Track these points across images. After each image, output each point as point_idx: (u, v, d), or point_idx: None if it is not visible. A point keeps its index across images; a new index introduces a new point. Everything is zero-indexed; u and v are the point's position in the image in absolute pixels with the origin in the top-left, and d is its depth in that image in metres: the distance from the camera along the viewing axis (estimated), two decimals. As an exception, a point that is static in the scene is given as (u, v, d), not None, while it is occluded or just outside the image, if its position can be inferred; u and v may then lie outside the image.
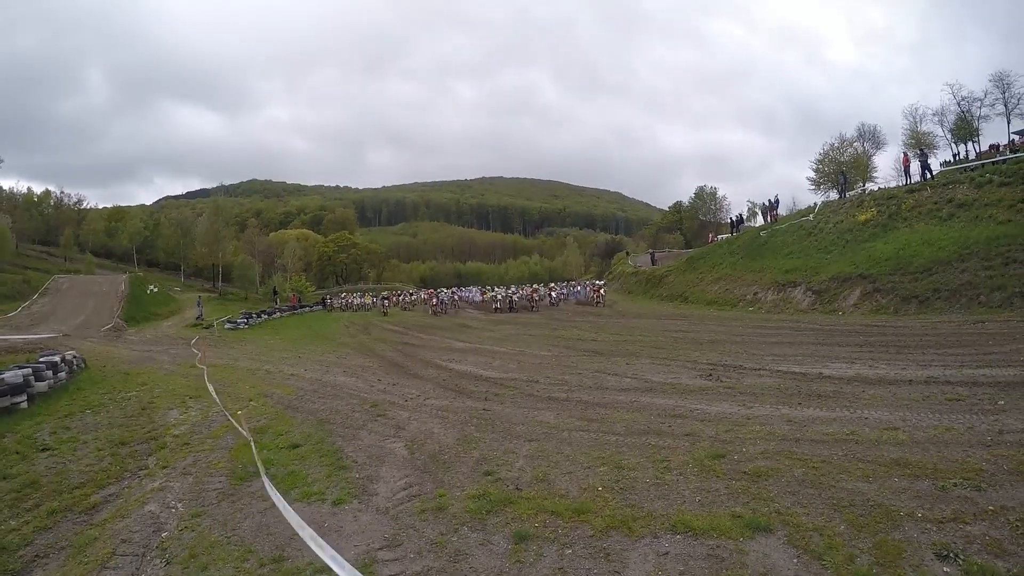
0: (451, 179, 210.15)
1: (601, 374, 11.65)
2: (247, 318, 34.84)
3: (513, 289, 42.79)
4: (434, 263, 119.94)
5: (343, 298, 51.30)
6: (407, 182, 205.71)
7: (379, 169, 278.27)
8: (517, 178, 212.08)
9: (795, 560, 4.06)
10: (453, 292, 45.18)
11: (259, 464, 6.43)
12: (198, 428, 9.03)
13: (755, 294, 25.05)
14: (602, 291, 35.88)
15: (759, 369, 10.94)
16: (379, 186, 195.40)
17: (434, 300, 39.15)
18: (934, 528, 4.26)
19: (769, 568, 4.00)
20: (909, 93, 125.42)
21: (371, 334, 25.29)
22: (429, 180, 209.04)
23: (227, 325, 32.13)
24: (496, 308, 36.09)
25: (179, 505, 5.99)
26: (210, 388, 11.69)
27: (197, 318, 34.90)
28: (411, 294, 54.85)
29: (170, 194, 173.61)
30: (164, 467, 7.21)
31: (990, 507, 4.48)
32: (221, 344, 23.47)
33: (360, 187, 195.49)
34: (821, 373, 10.08)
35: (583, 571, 4.17)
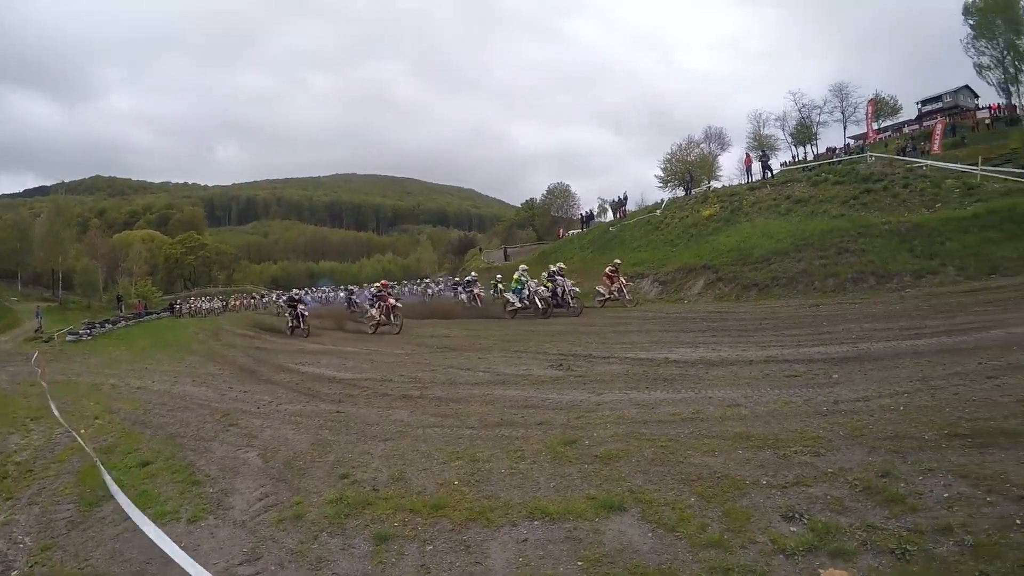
0: (304, 176, 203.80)
1: (454, 369, 11.91)
2: (90, 328, 33.97)
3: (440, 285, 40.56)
4: (286, 263, 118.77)
5: (192, 303, 50.75)
6: (259, 179, 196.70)
7: (229, 165, 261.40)
8: (371, 175, 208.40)
9: (650, 535, 4.37)
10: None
11: (110, 485, 6.23)
12: (42, 452, 8.94)
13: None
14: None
15: (608, 357, 11.57)
16: (229, 183, 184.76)
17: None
18: (779, 493, 4.74)
19: (625, 544, 4.28)
20: (755, 99, 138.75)
21: (221, 340, 24.71)
22: (281, 177, 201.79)
23: (68, 337, 30.85)
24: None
25: (26, 539, 5.82)
26: (52, 407, 11.22)
27: (36, 331, 33.52)
28: (262, 296, 54.24)
29: (4, 192, 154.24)
30: (8, 499, 6.97)
31: (829, 470, 5.05)
32: (63, 358, 22.92)
33: (209, 184, 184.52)
34: (668, 358, 10.84)
35: (445, 565, 4.29)
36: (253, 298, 56.99)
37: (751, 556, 3.96)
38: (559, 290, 22.35)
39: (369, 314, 22.95)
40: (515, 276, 23.97)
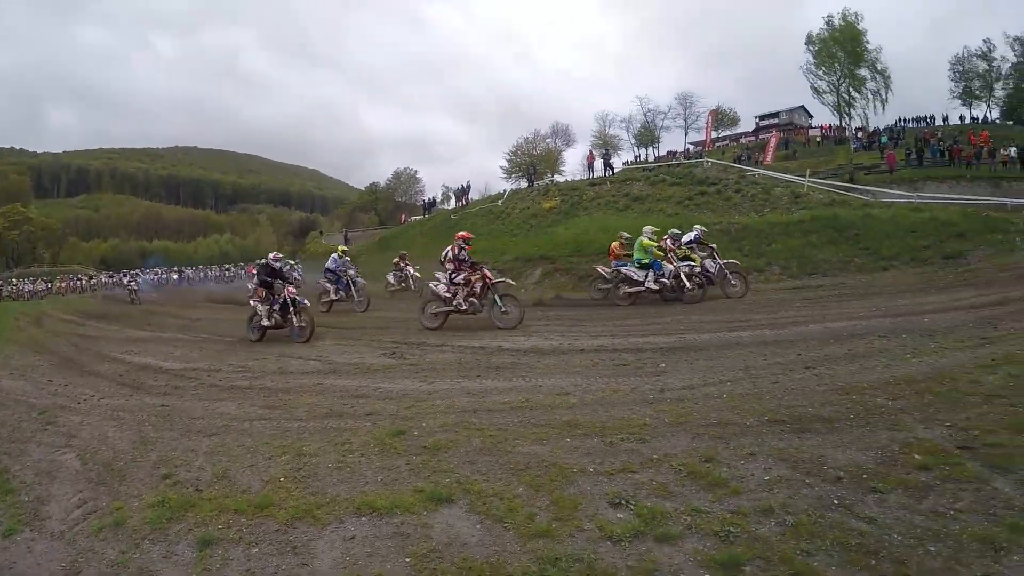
0: (142, 146, 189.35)
1: (286, 358, 11.45)
2: None
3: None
4: (117, 241, 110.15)
5: (14, 284, 45.42)
6: (93, 147, 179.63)
7: (62, 131, 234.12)
8: (213, 149, 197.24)
9: (478, 526, 4.31)
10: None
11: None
12: None
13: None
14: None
15: (442, 345, 11.49)
16: (60, 151, 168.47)
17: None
18: (606, 480, 4.81)
19: (453, 537, 4.20)
20: (605, 100, 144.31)
21: (43, 326, 22.09)
22: (118, 146, 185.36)
23: None
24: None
25: None
26: None
27: None
28: (90, 278, 50.09)
29: None
30: None
31: (655, 456, 5.19)
32: None
33: (39, 151, 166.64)
34: (500, 346, 10.90)
35: (271, 569, 4.11)
36: (80, 280, 53.68)
37: (579, 544, 3.97)
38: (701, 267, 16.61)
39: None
40: (643, 241, 16.42)
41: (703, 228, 18.29)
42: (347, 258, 20.71)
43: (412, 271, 23.35)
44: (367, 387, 8.63)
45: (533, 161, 59.76)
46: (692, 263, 16.28)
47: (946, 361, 8.11)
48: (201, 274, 54.66)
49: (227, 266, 59.37)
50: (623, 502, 4.44)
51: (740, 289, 16.20)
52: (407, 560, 4.00)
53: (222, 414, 7.88)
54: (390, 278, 24.03)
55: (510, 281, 15.28)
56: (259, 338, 14.11)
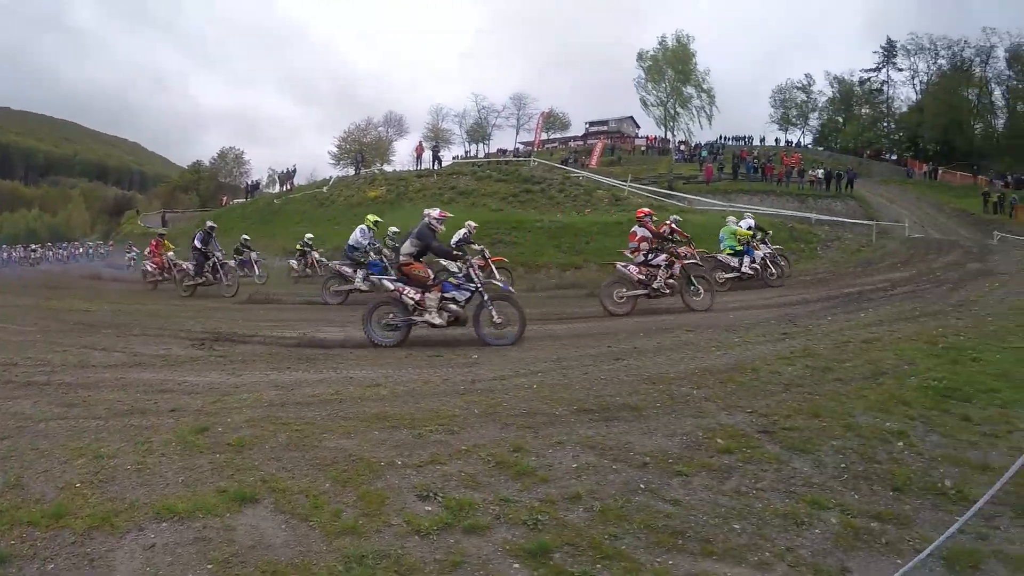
0: None
1: (88, 350, 10.31)
2: None
3: None
4: None
5: None
6: None
7: None
8: (26, 111, 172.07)
9: (283, 526, 4.05)
10: None
11: None
12: None
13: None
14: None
15: (253, 336, 10.97)
16: None
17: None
18: (414, 473, 4.67)
19: (258, 539, 3.91)
20: (443, 93, 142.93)
21: None
22: None
23: None
24: None
25: None
26: None
27: None
28: None
29: None
30: None
31: (463, 447, 5.12)
32: None
33: None
34: (314, 337, 10.53)
35: None
36: None
37: (386, 540, 3.82)
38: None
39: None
40: (737, 229, 16.68)
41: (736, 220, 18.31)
42: (214, 237, 19.04)
43: (317, 255, 21.88)
44: (172, 381, 7.96)
45: (362, 149, 58.91)
46: (772, 248, 17.19)
47: (749, 354, 8.72)
48: (4, 255, 49.12)
49: (33, 247, 53.42)
50: (431, 495, 4.34)
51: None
52: (209, 567, 3.69)
53: (16, 414, 6.92)
54: (293, 263, 22.44)
55: (699, 263, 14.66)
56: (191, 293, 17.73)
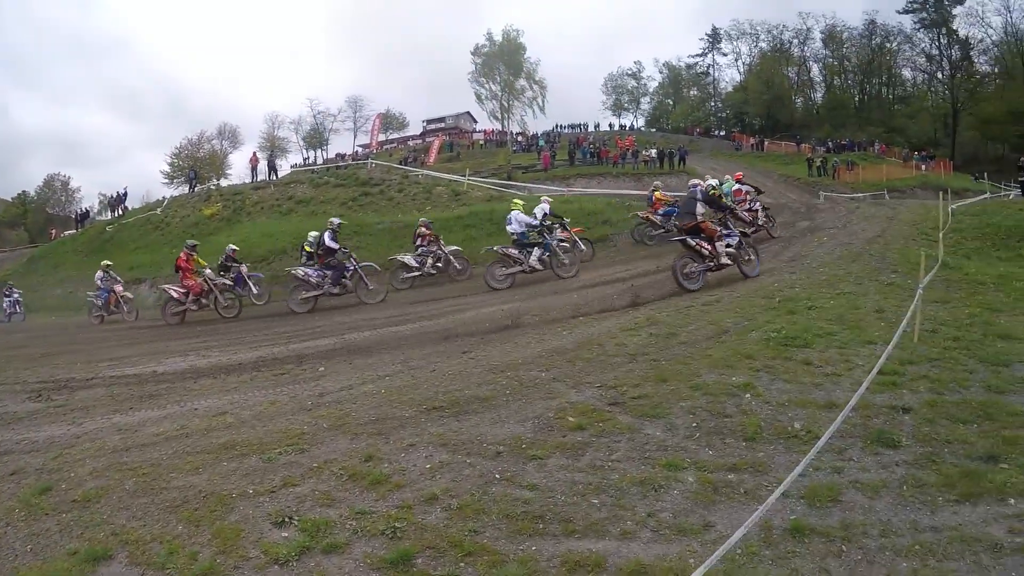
0: None
1: None
2: None
3: None
4: None
5: None
6: None
7: None
8: None
9: None
10: None
11: None
12: None
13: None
14: None
15: (92, 378, 10.07)
16: None
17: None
18: (267, 500, 4.51)
19: None
20: (277, 99, 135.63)
21: None
22: None
23: None
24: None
25: None
26: None
27: None
28: None
29: None
30: None
31: (315, 464, 4.99)
32: None
33: None
34: (155, 371, 9.89)
35: None
36: None
37: (245, 575, 3.69)
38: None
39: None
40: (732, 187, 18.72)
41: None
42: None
43: (245, 269, 18.78)
44: (10, 441, 7.16)
45: (196, 164, 56.00)
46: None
47: (594, 330, 9.04)
48: None
49: None
50: (287, 519, 4.20)
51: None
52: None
53: None
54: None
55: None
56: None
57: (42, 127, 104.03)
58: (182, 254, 16.65)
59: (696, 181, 13.93)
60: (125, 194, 42.48)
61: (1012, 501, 3.98)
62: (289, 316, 14.59)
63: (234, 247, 19.14)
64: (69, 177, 75.18)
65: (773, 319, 8.72)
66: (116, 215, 40.41)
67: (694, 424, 5.26)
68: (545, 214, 16.83)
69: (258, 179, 37.90)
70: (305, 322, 12.86)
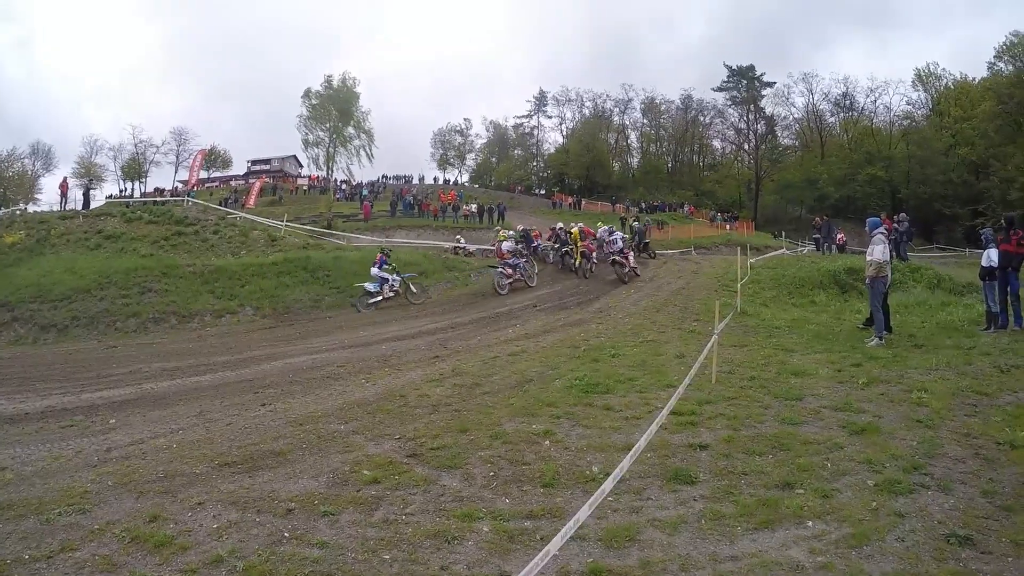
0: None
1: None
2: None
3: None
4: None
5: None
6: None
7: None
8: None
9: None
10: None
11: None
12: None
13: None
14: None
15: None
16: None
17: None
18: (44, 566, 4.11)
19: None
20: (101, 119, 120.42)
21: None
22: None
23: None
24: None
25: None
26: None
27: None
28: None
29: None
30: None
31: (96, 526, 4.62)
32: None
33: None
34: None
35: None
36: None
37: None
38: None
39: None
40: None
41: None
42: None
43: None
44: None
45: (3, 185, 49.81)
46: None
47: (398, 381, 8.97)
48: None
49: None
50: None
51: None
52: None
53: None
54: None
55: None
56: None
57: None
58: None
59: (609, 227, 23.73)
60: (-85, 215, 36.67)
61: (810, 523, 4.23)
62: (90, 362, 13.00)
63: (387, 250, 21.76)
64: None
65: (577, 367, 9.04)
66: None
67: (491, 473, 5.29)
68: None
69: (67, 207, 34.42)
70: (105, 369, 11.66)
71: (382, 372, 9.78)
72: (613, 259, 21.14)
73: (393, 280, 18.96)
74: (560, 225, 25.58)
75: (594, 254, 22.65)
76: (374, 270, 19.00)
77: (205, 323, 17.62)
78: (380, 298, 18.64)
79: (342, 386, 8.97)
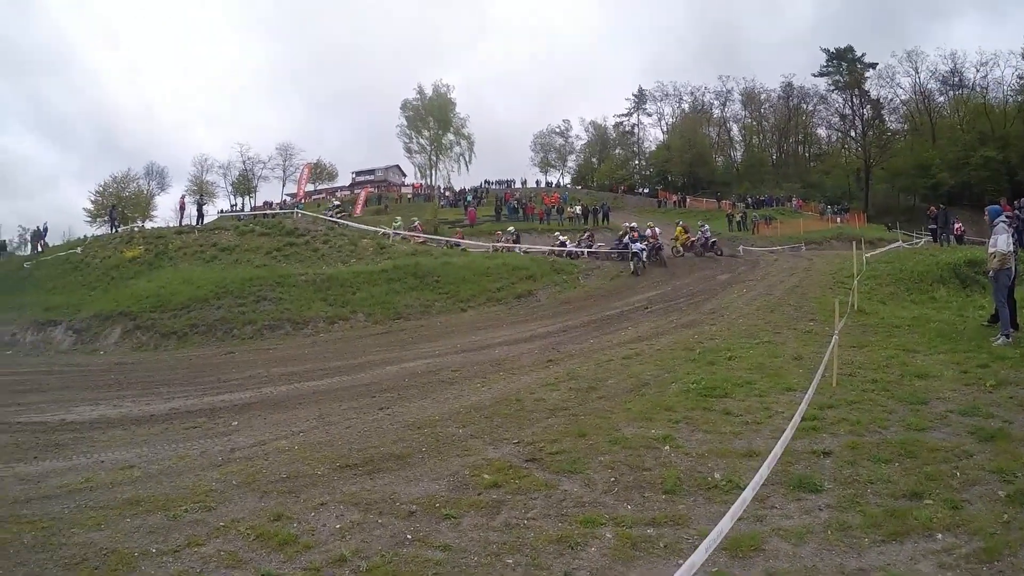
0: None
1: None
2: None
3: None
4: None
5: None
6: None
7: None
8: None
9: None
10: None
11: None
12: None
13: (13, 335, 22.17)
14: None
15: (-7, 424, 9.50)
16: None
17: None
18: (171, 559, 4.29)
19: None
20: (211, 137, 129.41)
21: None
22: None
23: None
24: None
25: None
26: None
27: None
28: None
29: None
30: None
31: (221, 523, 4.80)
32: None
33: None
34: (64, 419, 9.38)
35: None
36: None
37: None
38: None
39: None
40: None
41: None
42: None
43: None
44: None
45: (119, 203, 54.07)
46: None
47: (513, 385, 9.03)
48: None
49: None
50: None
51: None
52: None
53: None
54: None
55: None
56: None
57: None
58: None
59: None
60: (46, 229, 40.22)
61: (939, 536, 4.04)
62: (210, 367, 14.01)
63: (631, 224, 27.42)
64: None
65: (693, 370, 8.87)
66: (36, 251, 38.35)
67: (612, 479, 5.22)
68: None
69: (184, 223, 36.88)
70: (224, 374, 12.39)
71: (496, 376, 9.88)
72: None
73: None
74: (633, 225, 27.63)
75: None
76: (636, 245, 23.84)
77: (319, 329, 18.38)
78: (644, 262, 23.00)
79: (457, 390, 9.10)
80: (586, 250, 28.22)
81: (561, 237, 30.92)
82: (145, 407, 9.82)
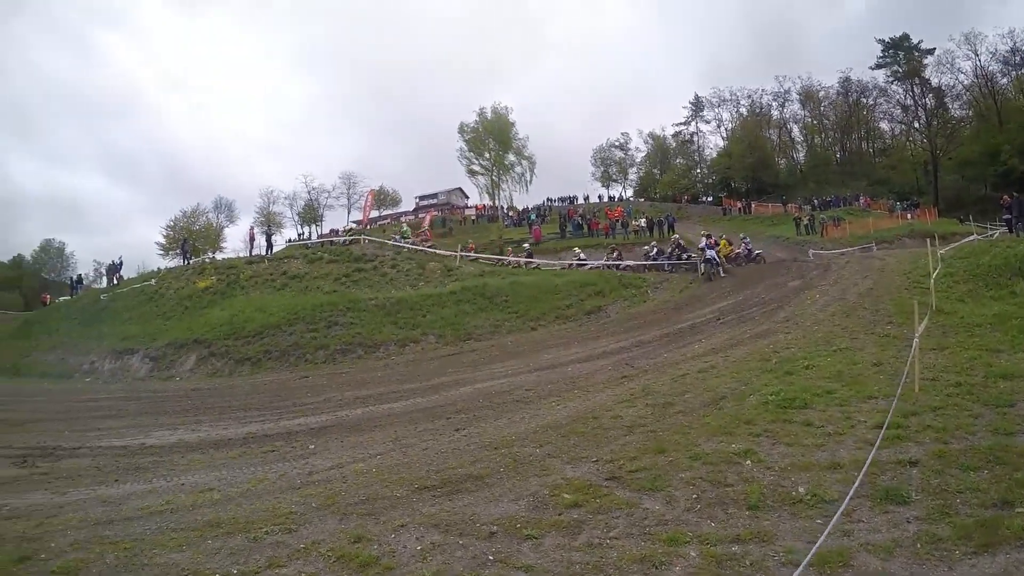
0: None
1: None
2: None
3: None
4: None
5: None
6: None
7: None
8: None
9: None
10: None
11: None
12: None
13: (92, 363, 23.22)
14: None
15: (79, 447, 9.82)
16: None
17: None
18: None
19: None
20: (274, 169, 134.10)
21: None
22: None
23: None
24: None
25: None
26: None
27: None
28: None
29: None
30: None
31: (302, 545, 4.81)
32: None
33: None
34: (143, 444, 9.65)
35: None
36: None
37: None
38: None
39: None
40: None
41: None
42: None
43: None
44: None
45: (189, 236, 56.26)
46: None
47: (589, 403, 8.92)
48: None
49: None
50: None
51: None
52: None
53: None
54: None
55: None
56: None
57: (39, 187, 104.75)
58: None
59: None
60: (121, 263, 42.31)
61: None
62: (285, 392, 14.33)
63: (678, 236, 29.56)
64: (63, 242, 76.13)
65: (770, 381, 8.66)
66: (112, 283, 40.21)
67: (694, 495, 5.13)
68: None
69: (254, 253, 38.13)
70: (299, 398, 12.62)
71: (571, 394, 9.78)
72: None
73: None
74: (676, 236, 29.71)
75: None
76: (710, 252, 24.18)
77: (390, 352, 18.57)
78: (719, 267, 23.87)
79: (533, 409, 9.02)
80: (651, 262, 28.26)
81: (581, 254, 31.01)
82: (222, 431, 10.03)
